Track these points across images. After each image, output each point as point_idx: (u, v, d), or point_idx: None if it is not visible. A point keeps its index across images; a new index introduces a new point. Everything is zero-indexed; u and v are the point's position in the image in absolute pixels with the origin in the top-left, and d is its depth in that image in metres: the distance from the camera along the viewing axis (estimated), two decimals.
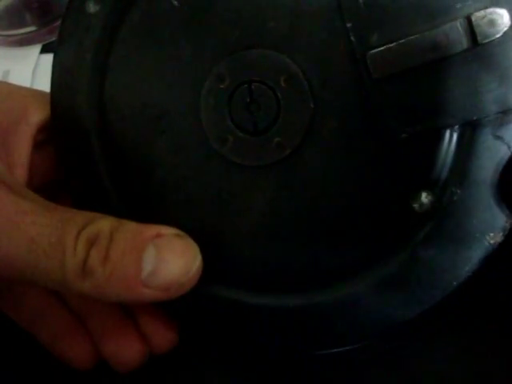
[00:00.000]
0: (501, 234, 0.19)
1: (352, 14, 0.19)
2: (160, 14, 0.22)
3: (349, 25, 0.19)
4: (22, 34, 0.42)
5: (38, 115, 0.25)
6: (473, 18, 0.18)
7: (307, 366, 0.27)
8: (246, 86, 0.21)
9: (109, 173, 0.23)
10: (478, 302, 0.27)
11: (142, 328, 0.25)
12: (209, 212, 0.22)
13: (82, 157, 0.23)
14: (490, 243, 0.20)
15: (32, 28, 0.42)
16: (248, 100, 0.21)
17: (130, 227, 0.21)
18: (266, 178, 0.21)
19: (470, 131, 0.19)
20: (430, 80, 0.19)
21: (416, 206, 0.20)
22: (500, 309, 0.26)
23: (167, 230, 0.21)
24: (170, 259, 0.21)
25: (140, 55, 0.23)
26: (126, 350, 0.25)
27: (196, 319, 0.23)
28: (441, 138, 0.20)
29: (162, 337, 0.25)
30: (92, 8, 0.22)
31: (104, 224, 0.21)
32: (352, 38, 0.19)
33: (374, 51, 0.19)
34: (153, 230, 0.21)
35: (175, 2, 0.22)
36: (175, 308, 0.23)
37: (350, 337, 0.21)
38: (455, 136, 0.20)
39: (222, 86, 0.21)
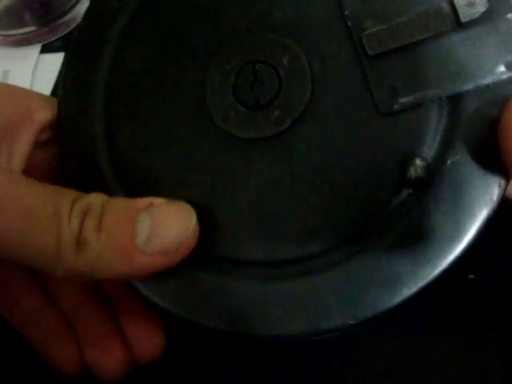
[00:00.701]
0: (495, 199, 0.20)
1: (349, 4, 0.22)
2: (173, 5, 0.24)
3: (346, 12, 0.22)
4: (21, 33, 0.42)
5: (42, 113, 0.25)
6: (455, 1, 0.20)
7: (305, 363, 0.27)
8: (250, 66, 0.22)
9: (108, 151, 0.24)
10: (477, 302, 0.27)
11: (128, 337, 0.25)
12: (208, 186, 0.22)
13: (81, 139, 0.24)
14: (486, 208, 0.20)
15: (32, 28, 0.42)
16: (252, 79, 0.22)
17: (121, 200, 0.21)
18: (265, 151, 0.22)
19: (460, 101, 0.20)
20: (419, 56, 0.21)
21: (410, 173, 0.20)
22: (500, 308, 0.27)
23: (159, 200, 0.21)
24: (165, 221, 0.20)
25: (149, 38, 0.24)
26: (107, 358, 0.25)
27: (188, 303, 0.22)
28: (431, 108, 0.21)
29: (147, 346, 0.25)
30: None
31: (94, 197, 0.21)
32: (349, 24, 0.22)
33: (368, 31, 0.21)
34: (144, 200, 0.21)
35: None
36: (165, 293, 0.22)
37: (349, 315, 0.20)
38: (445, 106, 0.21)
39: (227, 66, 0.23)
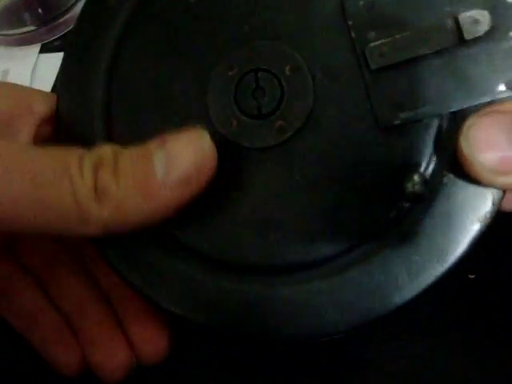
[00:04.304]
0: (488, 216, 0.20)
1: (353, 15, 0.21)
2: (176, 9, 0.24)
3: (350, 23, 0.21)
4: (21, 33, 0.42)
5: (42, 107, 0.25)
6: (459, 18, 0.20)
7: (305, 364, 0.27)
8: (252, 73, 0.23)
9: None
10: (477, 302, 0.27)
11: (132, 338, 0.25)
12: (208, 194, 0.22)
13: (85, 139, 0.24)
14: (479, 224, 0.20)
15: (31, 28, 0.41)
16: (254, 87, 0.22)
17: (133, 147, 0.20)
18: (267, 160, 0.22)
19: (459, 118, 0.20)
20: (421, 71, 0.21)
21: (408, 188, 0.20)
22: (500, 308, 0.26)
23: (170, 136, 0.20)
24: (180, 151, 0.20)
25: (152, 44, 0.24)
26: (110, 359, 0.24)
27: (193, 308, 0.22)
28: (431, 124, 0.21)
29: (152, 347, 0.25)
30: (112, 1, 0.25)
31: (105, 148, 0.20)
32: (353, 35, 0.21)
33: (372, 44, 0.21)
34: (156, 140, 0.20)
35: (192, 0, 0.24)
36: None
37: (343, 322, 0.21)
38: (445, 122, 0.21)
39: (230, 73, 0.23)
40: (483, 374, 0.25)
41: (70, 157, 0.20)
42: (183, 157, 0.20)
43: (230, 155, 0.22)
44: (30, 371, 0.27)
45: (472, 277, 0.27)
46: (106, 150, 0.20)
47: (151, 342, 0.25)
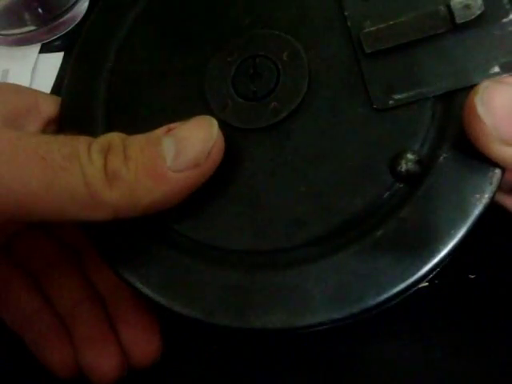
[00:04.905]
0: (487, 196, 0.19)
1: (350, 5, 0.22)
2: (180, 4, 0.25)
3: (346, 13, 0.22)
4: (21, 33, 0.42)
5: (48, 107, 0.25)
6: (452, 4, 0.21)
7: (304, 363, 0.27)
8: (250, 59, 0.23)
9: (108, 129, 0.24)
10: (477, 302, 0.27)
11: (123, 341, 0.25)
12: None
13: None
14: (478, 205, 0.19)
15: (31, 27, 0.41)
16: (251, 71, 0.23)
17: (139, 134, 0.21)
18: (261, 141, 0.22)
19: (453, 99, 0.21)
20: (415, 55, 0.21)
21: (402, 167, 0.20)
22: (500, 308, 0.26)
23: (175, 124, 0.21)
24: (188, 135, 0.20)
25: (154, 35, 0.25)
26: (102, 361, 0.24)
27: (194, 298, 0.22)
28: (425, 105, 0.21)
29: (143, 351, 0.25)
30: None
31: (113, 135, 0.21)
32: (348, 24, 0.22)
33: (366, 30, 0.22)
34: (162, 128, 0.21)
35: None
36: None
37: (334, 309, 0.19)
38: (439, 104, 0.21)
39: (229, 59, 0.23)
40: (483, 374, 0.25)
41: (78, 142, 0.20)
42: (192, 141, 0.20)
43: (224, 136, 0.22)
44: (29, 371, 0.27)
45: (472, 277, 0.27)
46: (113, 137, 0.20)
47: (142, 345, 0.25)
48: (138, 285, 0.22)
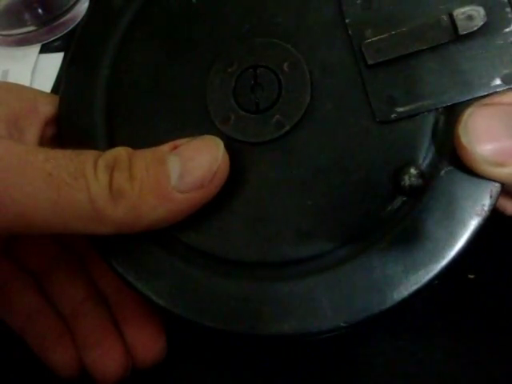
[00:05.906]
0: (487, 209, 0.20)
1: (351, 13, 0.22)
2: (177, 9, 0.25)
3: (347, 21, 0.22)
4: (21, 33, 0.42)
5: (47, 107, 0.25)
6: (454, 14, 0.20)
7: (304, 364, 0.27)
8: (251, 70, 0.23)
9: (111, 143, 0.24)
10: (477, 302, 0.27)
11: (127, 340, 0.25)
12: None
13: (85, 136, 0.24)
14: (477, 217, 0.20)
15: (31, 28, 0.41)
16: (252, 83, 0.23)
17: (146, 149, 0.21)
18: (264, 154, 0.22)
19: (455, 112, 0.20)
20: (417, 66, 0.21)
21: (405, 181, 0.20)
22: (500, 308, 0.26)
23: (181, 141, 0.21)
24: (194, 156, 0.20)
25: (152, 40, 0.25)
26: (106, 361, 0.24)
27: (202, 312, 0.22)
28: (427, 118, 0.21)
29: (147, 351, 0.25)
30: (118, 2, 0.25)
31: (119, 150, 0.21)
32: (350, 32, 0.22)
33: (368, 40, 0.21)
34: (168, 145, 0.21)
35: (193, 0, 0.24)
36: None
37: (341, 317, 0.20)
38: (441, 116, 0.21)
39: (229, 70, 0.23)
40: (483, 374, 0.25)
41: (85, 158, 0.20)
42: (198, 163, 0.20)
43: (227, 150, 0.22)
44: (29, 371, 0.27)
45: (472, 277, 0.27)
46: (120, 152, 0.20)
47: (147, 345, 0.25)
48: (152, 296, 0.22)
